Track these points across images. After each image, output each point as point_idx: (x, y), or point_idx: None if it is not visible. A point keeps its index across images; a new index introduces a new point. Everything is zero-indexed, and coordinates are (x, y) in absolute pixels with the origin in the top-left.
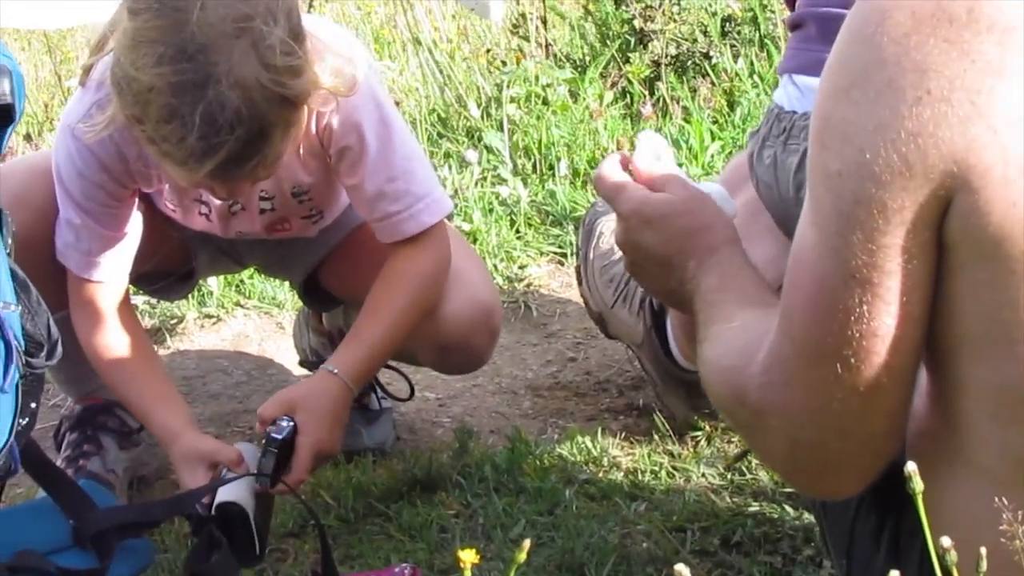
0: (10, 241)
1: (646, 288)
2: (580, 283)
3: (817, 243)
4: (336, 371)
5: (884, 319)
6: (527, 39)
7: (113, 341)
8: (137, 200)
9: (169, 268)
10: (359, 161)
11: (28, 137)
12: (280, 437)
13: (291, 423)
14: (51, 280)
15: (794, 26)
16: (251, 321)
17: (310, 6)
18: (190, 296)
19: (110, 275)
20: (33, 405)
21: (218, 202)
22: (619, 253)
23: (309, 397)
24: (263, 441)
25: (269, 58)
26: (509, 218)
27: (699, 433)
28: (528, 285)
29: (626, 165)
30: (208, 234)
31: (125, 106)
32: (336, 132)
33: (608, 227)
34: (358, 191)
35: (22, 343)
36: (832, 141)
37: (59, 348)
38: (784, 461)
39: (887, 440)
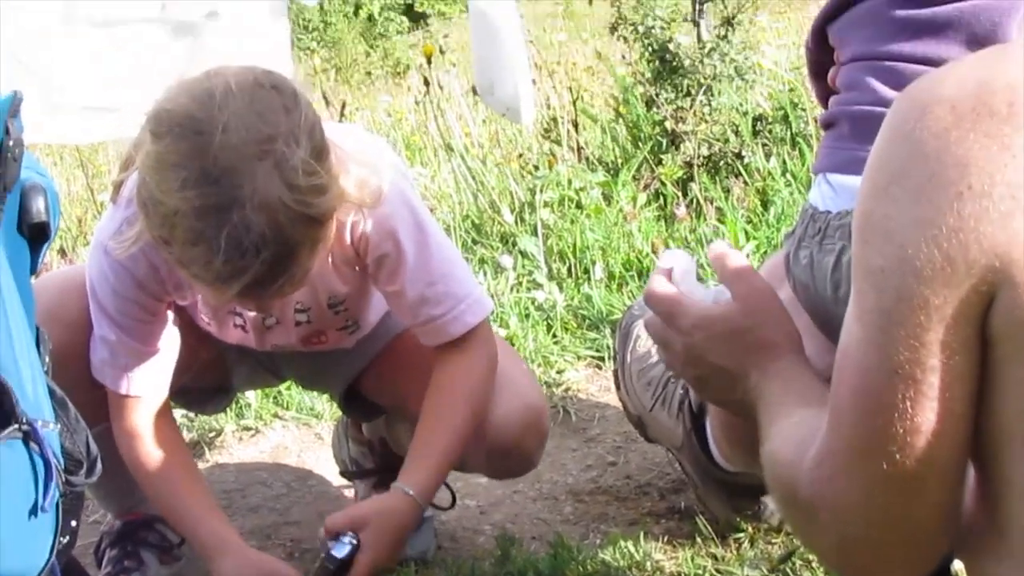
0: (47, 359)
1: (706, 397)
2: (618, 387)
3: (861, 339)
4: (411, 492)
5: (927, 415)
6: (559, 143)
7: (155, 454)
8: (172, 314)
9: (207, 382)
10: (398, 268)
11: (63, 252)
12: (340, 557)
13: (354, 542)
14: (89, 393)
15: (827, 125)
16: (289, 432)
17: (341, 114)
18: (228, 409)
19: (148, 389)
20: (74, 523)
21: (253, 315)
22: (656, 356)
23: (380, 515)
24: (321, 555)
25: (292, 179)
26: (546, 323)
27: (742, 535)
28: (566, 390)
29: (669, 278)
30: (245, 347)
31: (152, 227)
32: (372, 241)
33: (644, 330)
34: (399, 297)
35: (61, 461)
36: (874, 237)
37: (98, 465)
38: (835, 557)
39: (936, 536)
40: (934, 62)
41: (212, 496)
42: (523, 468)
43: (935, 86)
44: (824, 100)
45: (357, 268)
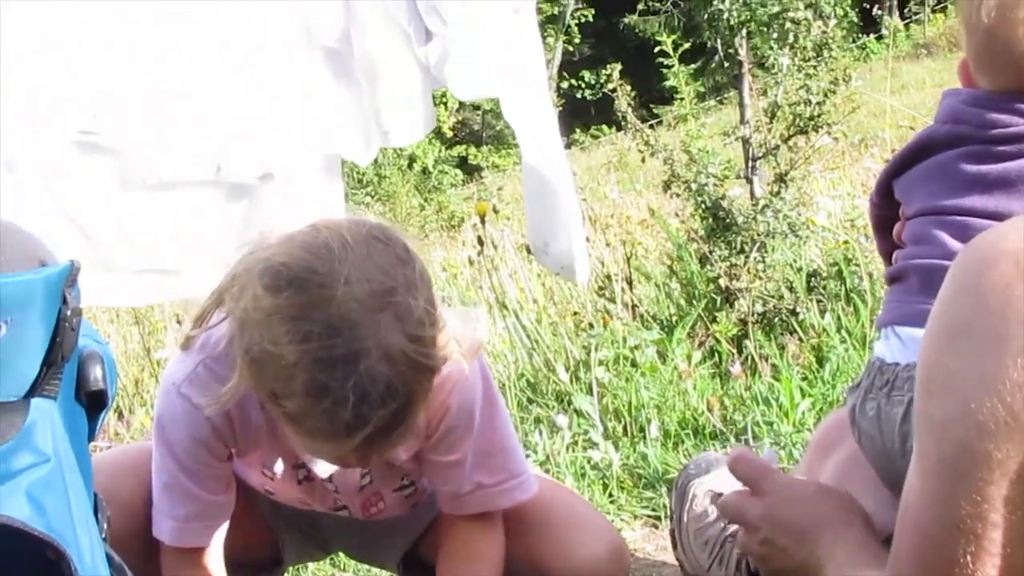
0: (106, 526)
1: (769, 564)
2: (675, 547)
3: (922, 491)
4: None
5: (988, 570)
6: (613, 300)
7: None
8: (230, 473)
9: (255, 558)
10: (462, 440)
11: (119, 413)
12: None
13: None
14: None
15: (893, 279)
16: None
17: None
18: (288, 569)
19: (202, 541)
20: None
21: (320, 475)
22: (713, 515)
23: None
24: None
25: (414, 329)
26: (602, 482)
27: None
28: None
29: None
30: (296, 518)
31: (263, 382)
32: (452, 413)
33: (701, 490)
34: (454, 466)
35: None
36: (937, 390)
37: None
38: None
39: None
40: (1004, 217)
41: None
42: None
43: (999, 240)
44: (887, 255)
45: (424, 434)
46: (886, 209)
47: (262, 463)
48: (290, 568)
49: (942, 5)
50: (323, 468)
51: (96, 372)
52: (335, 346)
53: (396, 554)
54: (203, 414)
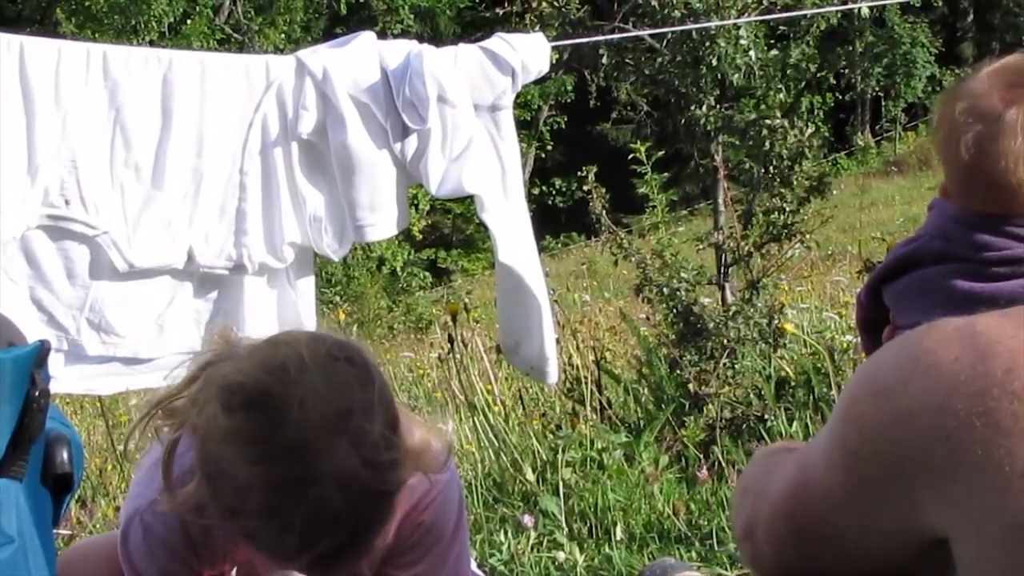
0: None
1: None
2: None
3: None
4: None
5: None
6: (582, 402)
7: None
8: None
9: None
10: (428, 555)
11: (83, 503)
12: None
13: None
14: None
15: None
16: None
17: None
18: None
19: None
20: None
21: None
22: None
23: None
24: None
25: (370, 455)
26: None
27: None
28: None
29: None
30: None
31: (219, 498)
32: (425, 529)
33: None
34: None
35: None
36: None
37: None
38: None
39: None
40: None
41: None
42: None
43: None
44: (871, 352)
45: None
46: (873, 311)
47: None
48: None
49: (913, 124)
50: None
51: (63, 455)
52: (287, 469)
53: None
54: (167, 544)
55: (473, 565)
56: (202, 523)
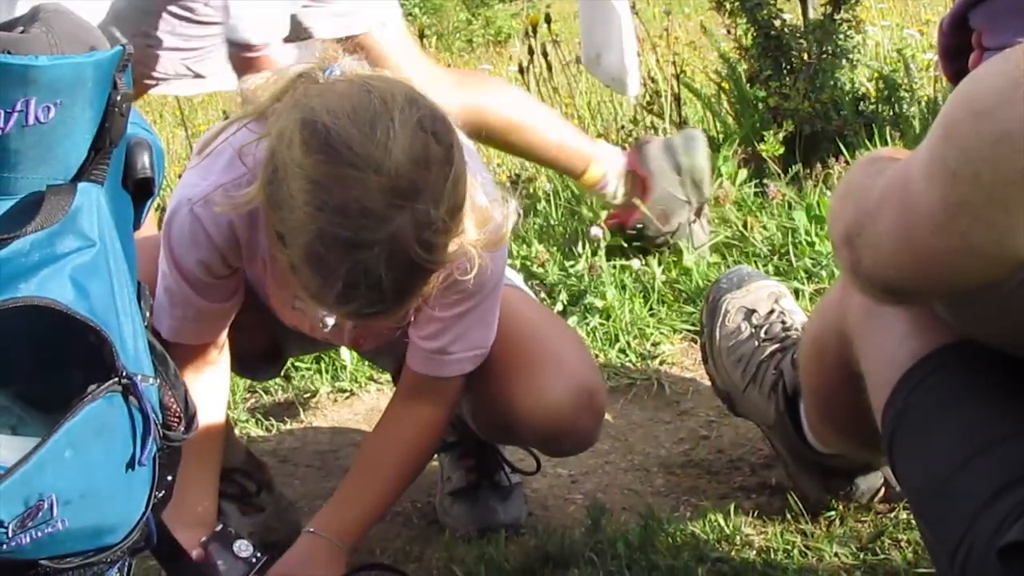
0: (148, 314)
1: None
2: (705, 361)
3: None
4: (312, 530)
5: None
6: (661, 116)
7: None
8: (236, 281)
9: (258, 348)
10: (462, 303)
11: (163, 210)
12: None
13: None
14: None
15: None
16: (384, 395)
17: None
18: (323, 370)
19: (200, 339)
20: (169, 478)
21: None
22: (746, 332)
23: (298, 565)
24: None
25: (426, 236)
26: (642, 295)
27: (832, 513)
28: (661, 363)
29: None
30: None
31: (274, 217)
32: (473, 268)
33: (733, 305)
34: (436, 322)
35: (160, 416)
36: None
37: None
38: None
39: None
40: None
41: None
42: (581, 447)
43: None
44: (954, 79)
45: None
46: (956, 39)
47: (264, 284)
48: (331, 366)
49: None
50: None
51: (144, 159)
52: (342, 227)
53: (393, 364)
54: (210, 237)
55: (519, 280)
56: (248, 231)
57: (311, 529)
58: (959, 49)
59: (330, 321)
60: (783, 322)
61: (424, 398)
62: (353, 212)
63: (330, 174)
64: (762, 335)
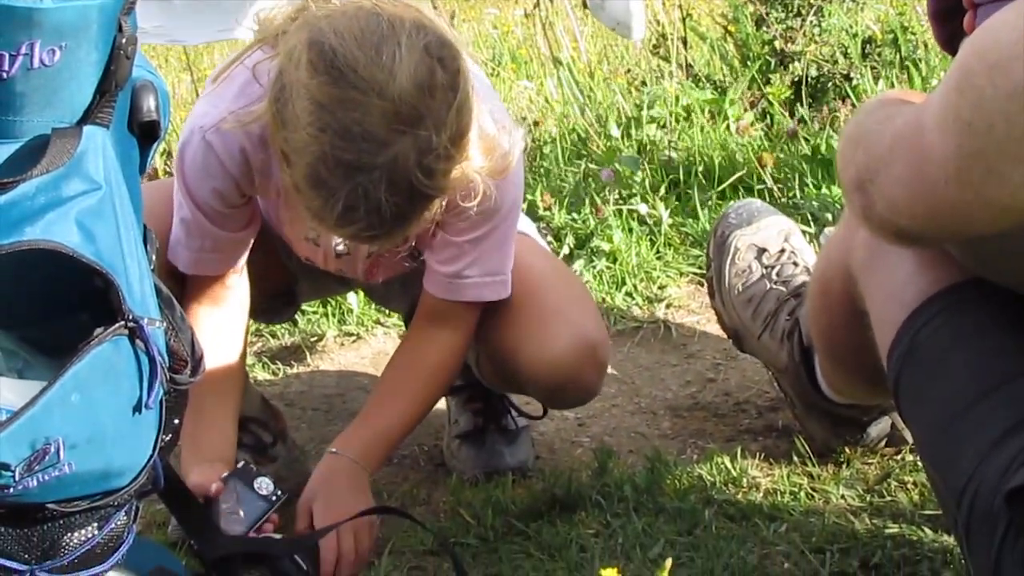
0: (154, 257)
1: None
2: (712, 296)
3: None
4: (335, 450)
5: None
6: (667, 59)
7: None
8: (251, 211)
9: (271, 291)
10: (476, 227)
11: (168, 155)
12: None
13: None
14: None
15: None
16: (391, 339)
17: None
18: (330, 314)
19: (218, 270)
20: (176, 421)
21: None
22: (758, 272)
23: (322, 487)
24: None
25: (427, 162)
26: (649, 238)
27: (839, 455)
28: (668, 306)
29: None
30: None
31: (279, 136)
32: (478, 195)
33: (743, 243)
34: (452, 247)
35: (166, 359)
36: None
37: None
38: None
39: None
40: None
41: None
42: (584, 399)
43: None
44: (945, 43)
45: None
46: (944, 1)
47: (276, 213)
48: (337, 310)
49: None
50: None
51: (150, 102)
52: (344, 150)
53: (406, 304)
54: (223, 164)
55: (531, 228)
56: (261, 157)
57: (333, 449)
58: (950, 12)
59: (341, 248)
60: (794, 263)
61: (443, 323)
62: (355, 136)
63: (334, 96)
64: (774, 276)
